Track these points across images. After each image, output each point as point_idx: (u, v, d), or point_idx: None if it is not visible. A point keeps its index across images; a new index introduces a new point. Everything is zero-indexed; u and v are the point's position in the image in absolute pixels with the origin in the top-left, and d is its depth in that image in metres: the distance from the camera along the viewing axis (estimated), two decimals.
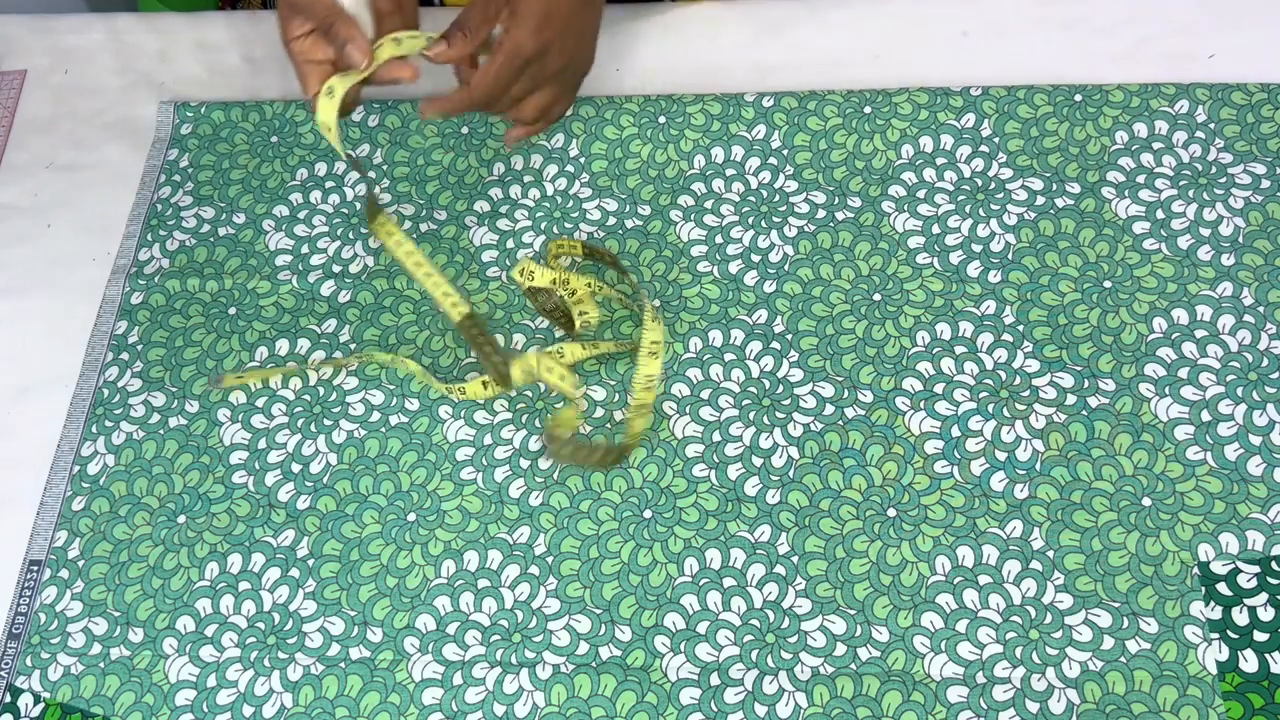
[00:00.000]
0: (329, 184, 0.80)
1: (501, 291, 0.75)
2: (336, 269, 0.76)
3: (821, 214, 0.76)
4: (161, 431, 0.71)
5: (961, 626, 0.62)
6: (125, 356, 0.74)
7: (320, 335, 0.74)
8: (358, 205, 0.79)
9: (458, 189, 0.79)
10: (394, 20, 0.66)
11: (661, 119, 0.80)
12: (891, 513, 0.65)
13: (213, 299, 0.76)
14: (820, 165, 0.78)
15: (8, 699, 0.63)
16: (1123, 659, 0.61)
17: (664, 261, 0.75)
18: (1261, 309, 0.70)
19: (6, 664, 0.65)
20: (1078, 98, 0.78)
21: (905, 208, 0.75)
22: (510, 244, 0.76)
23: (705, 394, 0.70)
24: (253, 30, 0.88)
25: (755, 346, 0.71)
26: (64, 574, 0.67)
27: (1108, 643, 0.61)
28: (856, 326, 0.71)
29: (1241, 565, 0.62)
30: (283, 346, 0.74)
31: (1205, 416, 0.67)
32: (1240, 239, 0.72)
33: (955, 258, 0.73)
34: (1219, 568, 0.62)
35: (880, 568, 0.64)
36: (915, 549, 0.64)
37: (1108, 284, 0.72)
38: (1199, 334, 0.69)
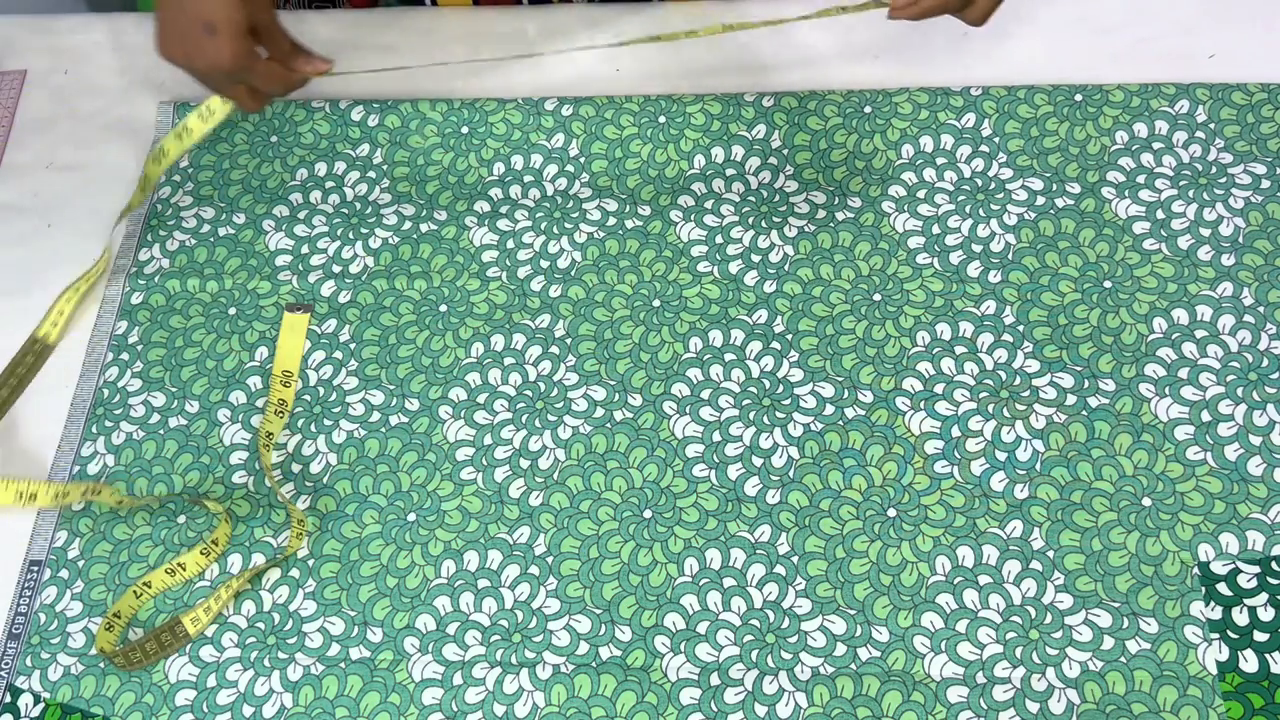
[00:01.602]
0: (329, 184, 0.80)
1: (501, 292, 0.75)
2: (336, 269, 0.76)
3: (821, 214, 0.76)
4: (161, 431, 0.71)
5: (961, 626, 0.62)
6: (125, 356, 0.74)
7: (320, 335, 0.74)
8: (358, 205, 0.79)
9: (458, 189, 0.79)
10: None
11: (661, 119, 0.80)
12: (891, 513, 0.65)
13: (213, 299, 0.76)
14: (820, 165, 0.78)
15: (8, 699, 0.63)
16: (1123, 659, 0.61)
17: (664, 261, 0.75)
18: (1261, 309, 0.70)
19: (6, 664, 0.65)
20: (1078, 98, 0.78)
21: (905, 208, 0.75)
22: (510, 244, 0.76)
23: (705, 394, 0.70)
24: None
25: (755, 346, 0.71)
26: (64, 574, 0.67)
27: (1108, 643, 0.61)
28: (856, 326, 0.71)
29: (1241, 565, 0.62)
30: None
31: (1205, 417, 0.67)
32: (1240, 239, 0.72)
33: (955, 258, 0.73)
34: (1219, 568, 0.62)
35: (880, 568, 0.64)
36: (915, 549, 0.64)
37: (1108, 284, 0.72)
38: (1199, 334, 0.69)
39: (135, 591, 0.65)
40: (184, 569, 0.66)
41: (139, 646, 0.63)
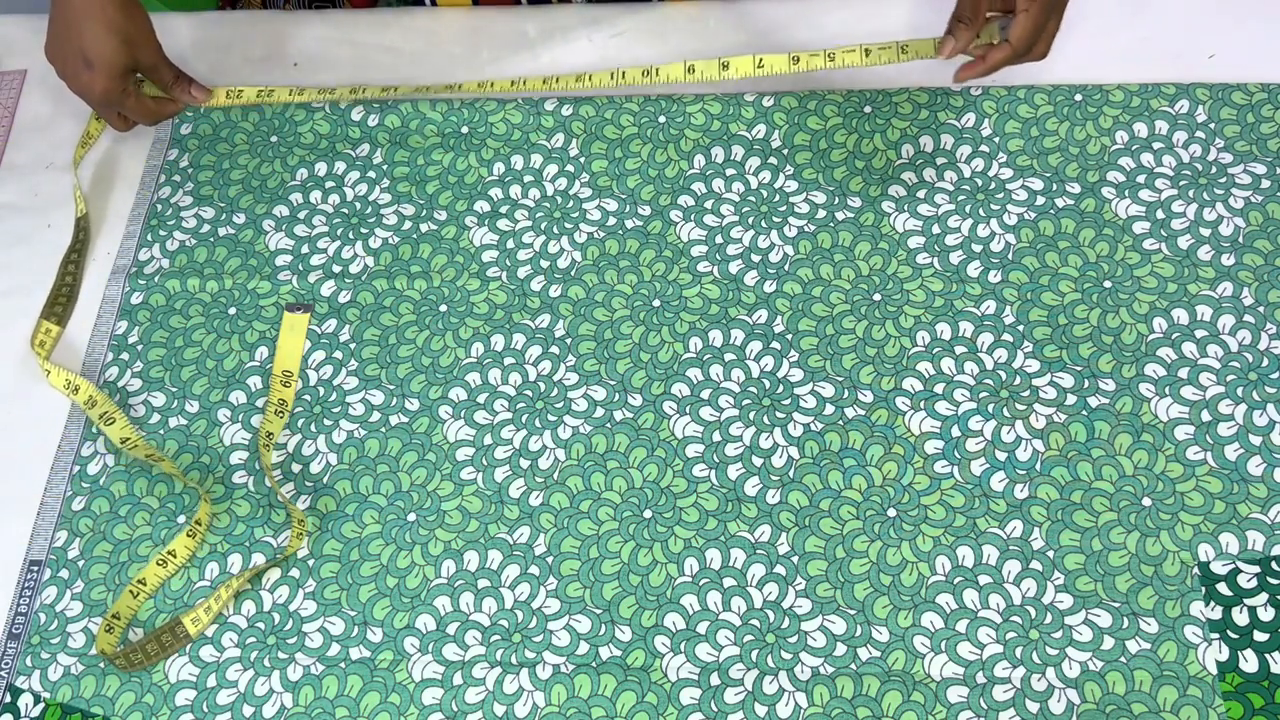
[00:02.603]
0: (329, 184, 0.80)
1: (501, 292, 0.75)
2: (336, 269, 0.76)
3: (821, 214, 0.76)
4: (161, 431, 0.71)
5: (961, 626, 0.62)
6: (125, 356, 0.74)
7: (320, 335, 0.74)
8: (358, 205, 0.79)
9: (458, 189, 0.79)
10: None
11: (661, 119, 0.80)
12: (891, 513, 0.65)
13: (213, 299, 0.76)
14: (820, 165, 0.78)
15: (8, 699, 0.63)
16: (1123, 659, 0.61)
17: (664, 261, 0.75)
18: (1261, 309, 0.70)
19: (6, 664, 0.65)
20: (1078, 98, 0.78)
21: (905, 208, 0.75)
22: (510, 244, 0.76)
23: (705, 394, 0.70)
24: (253, 30, 0.88)
25: (755, 346, 0.71)
26: (64, 574, 0.67)
27: (1108, 643, 0.61)
28: (856, 326, 0.71)
29: (1241, 565, 0.62)
30: None
31: (1205, 416, 0.67)
32: (1240, 239, 0.72)
33: (955, 258, 0.73)
34: (1219, 568, 0.63)
35: (880, 568, 0.64)
36: (915, 549, 0.64)
37: (1108, 284, 0.72)
38: (1199, 334, 0.69)
39: (132, 591, 0.65)
40: (174, 556, 0.66)
41: (140, 647, 0.63)
